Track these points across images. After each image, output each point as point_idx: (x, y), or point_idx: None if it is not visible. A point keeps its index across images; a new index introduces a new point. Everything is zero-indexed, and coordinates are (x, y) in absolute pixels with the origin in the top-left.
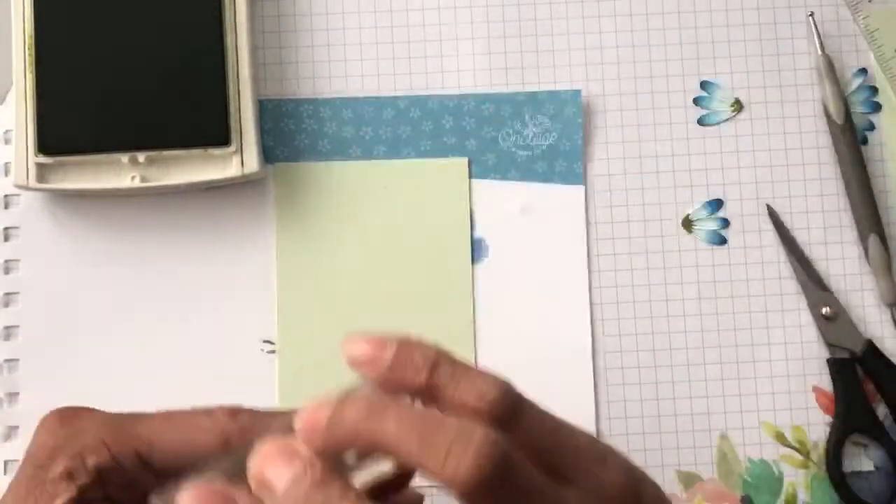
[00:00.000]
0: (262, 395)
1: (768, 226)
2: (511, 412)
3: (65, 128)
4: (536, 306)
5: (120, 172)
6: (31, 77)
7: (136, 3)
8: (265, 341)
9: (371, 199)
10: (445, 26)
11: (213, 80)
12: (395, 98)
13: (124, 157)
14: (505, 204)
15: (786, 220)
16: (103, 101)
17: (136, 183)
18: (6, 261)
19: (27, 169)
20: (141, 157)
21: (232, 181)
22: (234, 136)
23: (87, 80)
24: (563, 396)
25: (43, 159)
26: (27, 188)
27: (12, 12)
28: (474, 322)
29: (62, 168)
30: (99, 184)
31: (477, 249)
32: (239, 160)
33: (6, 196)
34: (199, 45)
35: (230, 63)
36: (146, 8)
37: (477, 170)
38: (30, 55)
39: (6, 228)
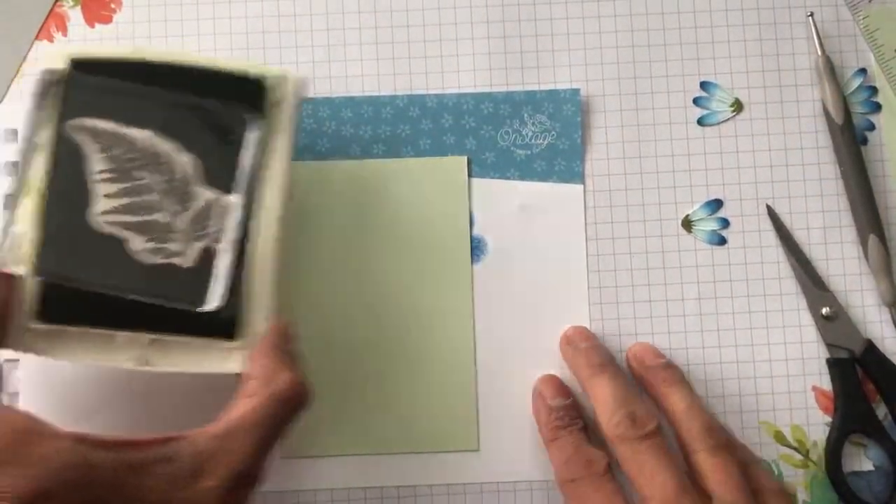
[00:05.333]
0: None
1: (768, 226)
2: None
3: (68, 297)
4: (536, 306)
5: (118, 350)
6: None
7: None
8: None
9: (371, 198)
10: (445, 26)
11: (232, 268)
12: (395, 97)
13: (125, 336)
14: (504, 203)
15: (786, 220)
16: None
17: (133, 366)
18: None
19: (23, 333)
20: (143, 337)
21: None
22: (240, 331)
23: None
24: None
25: (40, 325)
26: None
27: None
28: (474, 321)
29: (60, 336)
30: (95, 359)
31: (476, 248)
32: (242, 355)
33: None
34: None
35: (253, 257)
36: None
37: (476, 168)
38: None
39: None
